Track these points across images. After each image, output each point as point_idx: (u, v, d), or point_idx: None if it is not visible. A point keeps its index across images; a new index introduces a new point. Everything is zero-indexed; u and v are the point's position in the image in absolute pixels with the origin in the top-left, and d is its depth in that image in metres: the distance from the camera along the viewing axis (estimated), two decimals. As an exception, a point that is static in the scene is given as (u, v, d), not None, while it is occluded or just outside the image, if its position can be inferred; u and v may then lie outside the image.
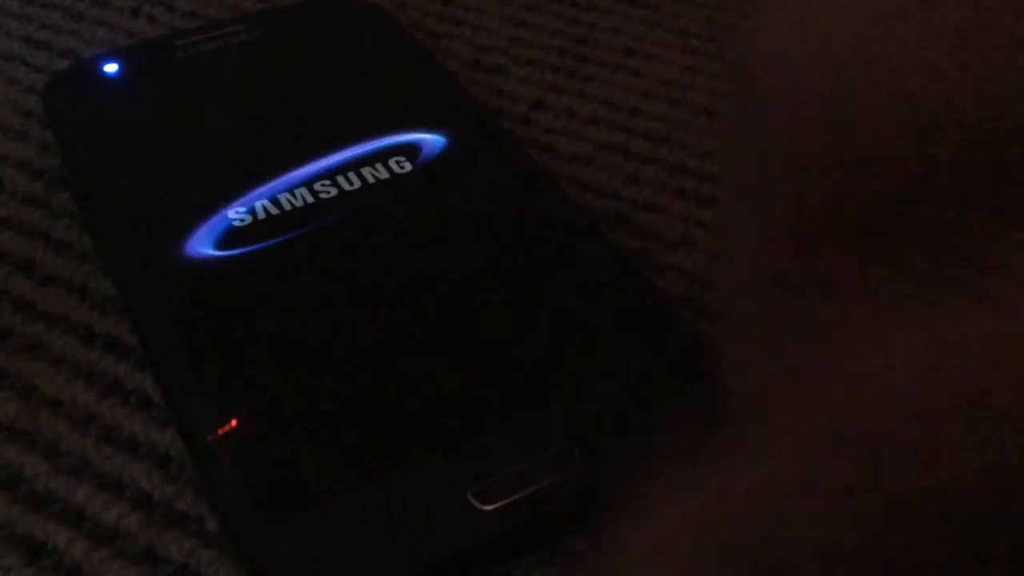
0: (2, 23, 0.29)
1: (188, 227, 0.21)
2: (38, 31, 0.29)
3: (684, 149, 0.26)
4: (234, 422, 0.18)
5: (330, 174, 0.22)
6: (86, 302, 0.22)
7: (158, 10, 0.30)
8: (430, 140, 0.23)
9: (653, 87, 0.28)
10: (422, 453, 0.18)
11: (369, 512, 0.17)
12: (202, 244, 0.21)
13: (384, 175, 0.22)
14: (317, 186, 0.22)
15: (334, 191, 0.22)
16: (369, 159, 0.22)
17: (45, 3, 0.30)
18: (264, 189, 0.22)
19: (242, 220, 0.21)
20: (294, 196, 0.22)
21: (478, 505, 0.17)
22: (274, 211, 0.21)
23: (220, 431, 0.18)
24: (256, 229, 0.21)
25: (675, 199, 0.24)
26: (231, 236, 0.21)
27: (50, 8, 0.30)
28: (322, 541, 0.16)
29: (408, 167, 0.22)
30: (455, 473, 0.17)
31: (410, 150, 0.23)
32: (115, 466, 0.19)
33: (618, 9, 0.30)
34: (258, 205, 0.21)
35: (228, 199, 0.22)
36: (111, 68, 0.25)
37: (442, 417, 0.18)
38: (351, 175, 0.22)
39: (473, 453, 0.18)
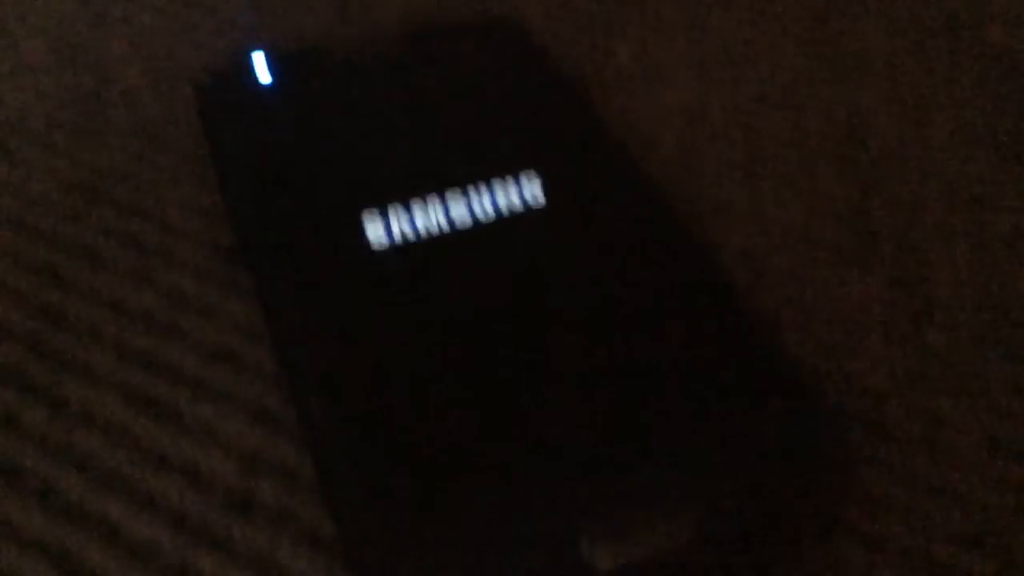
0: (29, 33, 0.29)
1: (328, 232, 0.22)
2: (62, 47, 0.29)
3: (702, 176, 0.26)
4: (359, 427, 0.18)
5: (465, 200, 0.23)
6: (123, 316, 0.22)
7: (191, 13, 0.30)
8: (563, 173, 0.24)
9: (669, 110, 0.28)
10: (538, 488, 0.17)
11: (480, 532, 0.17)
12: (338, 251, 0.22)
13: (518, 204, 0.23)
14: (451, 210, 0.22)
15: (468, 217, 0.22)
16: (503, 188, 0.23)
17: (72, 14, 0.30)
18: (401, 209, 0.22)
19: (379, 237, 0.22)
20: (429, 219, 0.22)
21: (591, 559, 0.17)
22: (409, 232, 0.22)
23: (344, 432, 0.18)
24: (392, 247, 0.22)
25: (690, 224, 0.25)
26: (367, 250, 0.22)
27: (76, 18, 0.30)
28: (429, 552, 0.17)
29: (541, 199, 0.23)
30: (568, 514, 0.17)
31: (543, 182, 0.23)
32: (145, 479, 0.19)
33: (635, 33, 0.31)
34: (395, 221, 0.22)
35: (369, 211, 0.22)
36: (264, 72, 0.26)
37: (560, 452, 0.18)
38: (485, 202, 0.23)
39: (589, 496, 0.17)
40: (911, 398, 0.21)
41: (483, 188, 0.23)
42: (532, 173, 0.23)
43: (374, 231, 0.22)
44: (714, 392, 0.19)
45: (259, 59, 0.27)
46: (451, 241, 0.22)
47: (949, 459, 0.20)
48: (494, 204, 0.23)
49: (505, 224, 0.22)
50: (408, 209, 0.22)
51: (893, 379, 0.22)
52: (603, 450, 0.18)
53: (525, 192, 0.23)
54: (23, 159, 0.26)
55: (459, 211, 0.22)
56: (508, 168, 0.23)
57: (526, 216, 0.23)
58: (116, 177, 0.25)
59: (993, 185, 0.26)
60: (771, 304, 0.23)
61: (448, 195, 0.22)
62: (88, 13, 0.30)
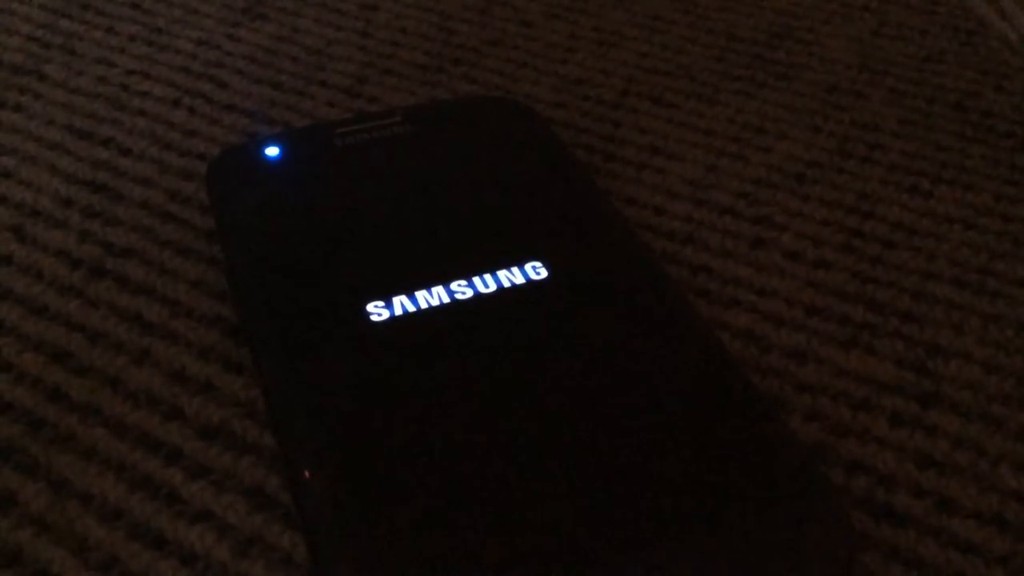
0: (45, 111, 0.30)
1: (328, 310, 0.22)
2: (82, 120, 0.30)
3: (707, 250, 0.26)
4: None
5: (467, 276, 0.23)
6: (119, 394, 0.22)
7: (198, 102, 0.31)
8: (567, 249, 0.24)
9: (677, 186, 0.28)
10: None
11: None
12: (338, 329, 0.22)
13: (520, 280, 0.23)
14: (454, 286, 0.23)
15: (470, 292, 0.22)
16: (506, 264, 0.23)
17: (88, 92, 0.31)
18: (403, 285, 0.22)
19: (380, 315, 0.22)
20: (431, 295, 0.22)
21: None
22: (411, 308, 0.22)
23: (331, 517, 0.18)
24: (392, 324, 0.22)
25: (697, 300, 0.25)
26: (368, 327, 0.22)
27: (92, 97, 0.31)
28: None
29: (544, 274, 0.23)
30: None
31: (546, 258, 0.23)
32: (142, 562, 0.19)
33: (643, 108, 0.31)
34: (396, 300, 0.22)
35: (369, 291, 0.22)
36: (273, 151, 0.26)
37: (561, 537, 0.18)
38: (487, 278, 0.23)
39: None
40: (919, 480, 0.21)
41: (488, 277, 0.23)
42: (538, 263, 0.23)
43: (374, 307, 0.22)
44: (716, 476, 0.19)
45: (268, 135, 0.28)
46: (452, 314, 0.22)
47: (957, 542, 0.20)
48: (498, 285, 0.23)
49: (507, 302, 0.22)
50: (412, 297, 0.22)
51: (900, 460, 0.21)
52: (601, 537, 0.18)
53: (529, 274, 0.23)
54: (34, 236, 0.26)
55: (462, 293, 0.22)
56: (514, 258, 0.23)
57: (528, 294, 0.23)
58: (124, 253, 0.26)
59: (1002, 260, 0.26)
60: (776, 383, 0.23)
61: (453, 285, 0.23)
62: (105, 90, 0.31)
